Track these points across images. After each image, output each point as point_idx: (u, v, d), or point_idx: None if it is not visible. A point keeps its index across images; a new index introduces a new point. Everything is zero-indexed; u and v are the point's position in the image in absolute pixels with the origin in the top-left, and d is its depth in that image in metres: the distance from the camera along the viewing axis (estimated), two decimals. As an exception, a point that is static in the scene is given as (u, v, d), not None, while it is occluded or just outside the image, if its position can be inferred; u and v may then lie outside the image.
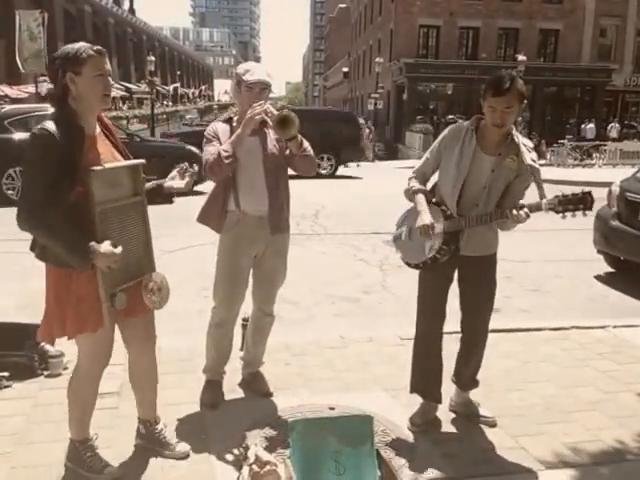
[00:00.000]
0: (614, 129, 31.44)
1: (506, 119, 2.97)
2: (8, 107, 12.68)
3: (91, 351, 2.69)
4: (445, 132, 3.26)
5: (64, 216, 2.43)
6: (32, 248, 2.60)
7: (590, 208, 2.85)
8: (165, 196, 2.91)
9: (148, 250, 2.82)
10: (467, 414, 3.43)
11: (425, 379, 3.37)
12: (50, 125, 2.43)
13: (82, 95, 2.50)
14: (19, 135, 10.74)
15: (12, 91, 28.70)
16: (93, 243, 2.43)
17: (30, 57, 25.96)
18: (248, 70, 3.28)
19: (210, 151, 3.26)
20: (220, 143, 3.30)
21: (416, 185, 3.28)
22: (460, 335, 3.40)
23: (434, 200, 3.26)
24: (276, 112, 3.16)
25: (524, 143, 3.08)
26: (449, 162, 3.15)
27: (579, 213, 2.84)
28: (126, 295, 2.62)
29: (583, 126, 31.94)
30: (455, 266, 3.23)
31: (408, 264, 3.34)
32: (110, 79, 2.59)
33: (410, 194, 3.29)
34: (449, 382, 3.45)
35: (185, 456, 2.98)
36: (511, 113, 2.96)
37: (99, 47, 2.55)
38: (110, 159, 2.64)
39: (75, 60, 2.47)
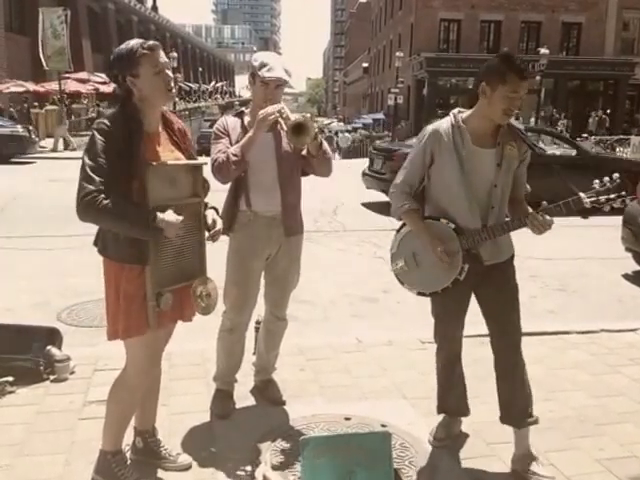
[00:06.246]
0: (594, 122, 28.71)
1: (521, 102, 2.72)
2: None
3: (139, 357, 2.57)
4: (425, 137, 2.82)
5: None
6: (96, 243, 2.53)
7: (631, 192, 2.64)
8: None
9: (201, 254, 2.70)
10: (520, 471, 2.85)
11: (453, 399, 3.11)
12: (108, 120, 2.40)
13: (145, 95, 2.45)
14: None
15: (37, 88, 28.94)
16: (158, 213, 2.35)
17: (54, 55, 26.25)
18: (265, 65, 3.04)
19: (219, 149, 3.07)
20: (230, 139, 3.12)
21: (407, 203, 2.84)
22: (494, 358, 2.95)
23: (427, 213, 2.89)
24: (290, 114, 2.93)
25: (518, 128, 2.83)
26: (449, 172, 2.75)
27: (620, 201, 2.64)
28: (173, 297, 2.51)
29: None
30: (474, 282, 2.86)
31: (422, 294, 2.91)
32: (169, 72, 2.49)
33: (401, 213, 2.86)
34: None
35: (187, 467, 2.82)
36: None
37: (151, 43, 2.46)
38: (169, 158, 2.54)
39: (130, 63, 2.41)
